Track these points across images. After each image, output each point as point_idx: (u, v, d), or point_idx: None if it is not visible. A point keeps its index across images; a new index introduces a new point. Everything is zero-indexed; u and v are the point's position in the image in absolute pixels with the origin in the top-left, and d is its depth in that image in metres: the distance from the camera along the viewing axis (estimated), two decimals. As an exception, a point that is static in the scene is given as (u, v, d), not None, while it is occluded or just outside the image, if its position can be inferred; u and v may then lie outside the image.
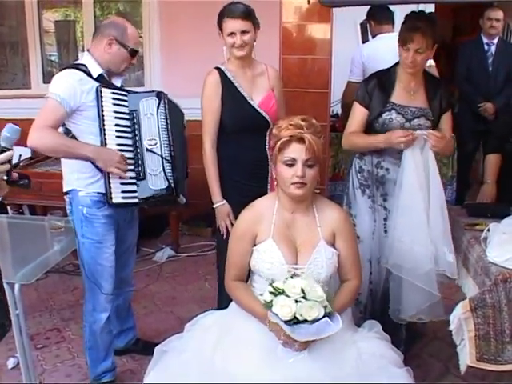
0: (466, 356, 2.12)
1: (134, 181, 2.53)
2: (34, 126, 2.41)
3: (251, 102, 2.71)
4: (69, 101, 2.42)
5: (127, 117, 2.55)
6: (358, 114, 2.72)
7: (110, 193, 2.47)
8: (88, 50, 2.60)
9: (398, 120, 2.62)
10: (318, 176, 2.08)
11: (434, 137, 2.50)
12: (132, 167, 2.52)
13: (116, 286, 2.85)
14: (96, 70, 2.53)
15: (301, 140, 1.99)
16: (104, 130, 2.46)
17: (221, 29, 2.66)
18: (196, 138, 4.75)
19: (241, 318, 2.09)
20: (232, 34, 2.62)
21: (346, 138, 2.75)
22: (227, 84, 2.69)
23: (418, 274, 2.48)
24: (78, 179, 2.56)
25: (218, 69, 2.72)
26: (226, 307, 2.25)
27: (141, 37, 5.26)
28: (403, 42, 2.55)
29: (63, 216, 2.85)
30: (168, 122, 2.62)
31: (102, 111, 2.46)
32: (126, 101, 2.56)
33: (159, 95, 2.64)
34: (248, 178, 2.71)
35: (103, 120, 2.46)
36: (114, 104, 2.51)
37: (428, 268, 2.47)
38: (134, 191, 2.53)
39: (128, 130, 2.54)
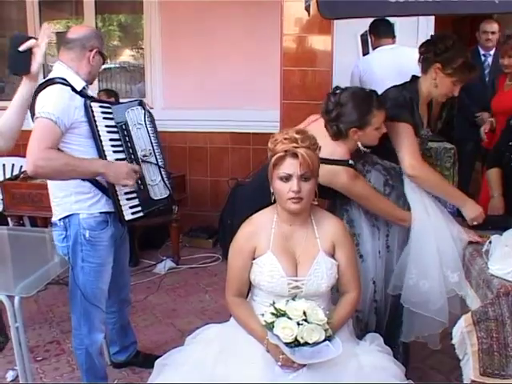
0: (470, 371, 2.09)
1: (135, 195, 2.49)
2: (31, 150, 2.22)
3: None
4: (63, 119, 2.27)
5: (116, 130, 2.46)
6: (413, 136, 2.50)
7: (122, 211, 2.42)
8: (62, 62, 2.44)
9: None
10: (316, 188, 2.06)
11: None
12: None
13: (118, 308, 2.86)
14: (79, 84, 2.40)
15: (295, 155, 1.97)
16: (102, 146, 2.38)
17: (363, 126, 2.38)
18: (196, 150, 4.80)
19: (243, 331, 2.08)
20: (381, 125, 2.42)
21: (424, 169, 2.51)
22: None
23: (429, 309, 2.45)
24: (77, 202, 2.43)
25: None
26: None
27: (142, 48, 5.31)
28: (461, 80, 2.50)
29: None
30: (155, 129, 2.60)
31: (97, 127, 2.36)
32: (111, 113, 2.46)
33: (142, 104, 2.60)
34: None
35: (99, 136, 2.37)
36: (104, 118, 2.42)
37: (440, 304, 2.43)
38: (138, 205, 2.50)
39: (119, 143, 2.47)
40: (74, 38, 2.43)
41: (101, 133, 2.38)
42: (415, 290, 2.47)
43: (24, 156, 2.40)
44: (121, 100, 4.06)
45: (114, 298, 2.79)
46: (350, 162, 2.42)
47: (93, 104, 2.37)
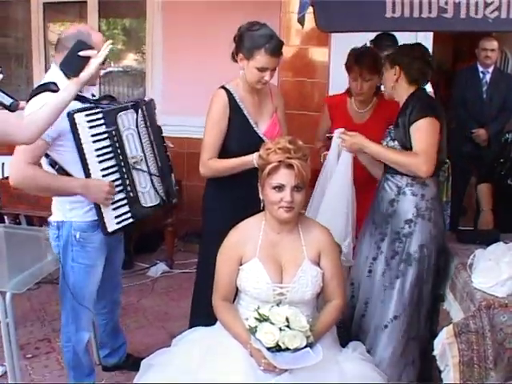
0: (451, 382, 2.14)
1: (125, 202, 2.46)
2: (12, 163, 2.26)
3: (257, 131, 2.61)
4: (47, 130, 2.20)
5: (106, 136, 2.38)
6: None
7: (104, 223, 2.40)
8: (55, 63, 2.39)
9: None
10: (304, 197, 2.11)
11: (341, 132, 2.57)
12: (120, 188, 2.44)
13: (109, 309, 2.89)
14: None
15: (289, 166, 2.02)
16: (85, 158, 2.32)
17: (248, 56, 2.47)
18: (195, 156, 4.79)
19: (228, 335, 2.12)
20: (264, 69, 2.47)
21: None
22: (235, 108, 2.57)
23: None
24: (72, 210, 2.43)
25: (225, 89, 2.59)
26: (197, 325, 2.31)
27: (143, 53, 5.35)
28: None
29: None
30: (149, 130, 2.55)
31: (80, 139, 2.29)
32: (101, 119, 2.37)
33: (137, 106, 2.51)
34: (244, 199, 2.49)
35: (82, 149, 2.31)
36: (91, 127, 2.33)
37: None
38: (127, 212, 2.47)
39: (109, 150, 2.40)
40: (59, 39, 2.39)
41: (84, 145, 2.31)
42: None
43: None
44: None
45: (107, 298, 2.82)
46: (228, 86, 2.59)
47: (76, 115, 2.29)
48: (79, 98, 2.33)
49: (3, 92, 1.91)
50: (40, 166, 2.35)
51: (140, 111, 2.52)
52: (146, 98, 2.68)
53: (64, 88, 2.10)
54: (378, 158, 2.56)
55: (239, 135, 2.58)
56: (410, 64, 2.54)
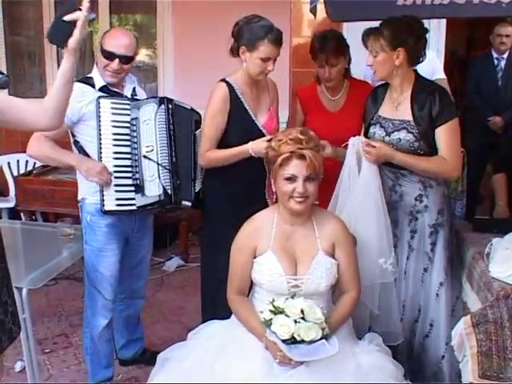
0: (469, 373, 2.12)
1: (132, 188, 2.54)
2: (33, 134, 2.52)
3: (257, 123, 2.63)
4: (67, 113, 2.29)
5: (126, 125, 2.57)
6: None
7: (103, 200, 2.53)
8: (96, 65, 2.65)
9: (380, 134, 2.44)
10: (317, 188, 2.08)
11: (366, 144, 2.32)
12: (129, 175, 2.55)
13: (127, 296, 2.94)
14: (99, 82, 2.59)
15: (301, 157, 2.00)
16: (100, 138, 2.52)
17: (251, 47, 2.49)
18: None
19: (243, 328, 2.11)
20: (267, 59, 2.49)
21: None
22: (235, 101, 2.58)
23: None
24: (87, 187, 2.61)
25: (226, 82, 2.59)
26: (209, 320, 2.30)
27: (155, 48, 5.36)
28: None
29: (73, 223, 2.92)
30: (170, 126, 2.56)
31: (100, 121, 2.52)
32: (128, 109, 2.58)
33: (161, 100, 2.58)
34: (245, 194, 2.59)
35: (100, 130, 2.52)
36: (114, 113, 2.55)
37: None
38: (132, 198, 2.54)
39: (126, 138, 2.57)
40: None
41: (103, 127, 2.52)
42: None
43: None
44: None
45: (126, 285, 2.88)
46: (228, 79, 2.59)
47: (102, 100, 2.53)
48: (113, 94, 2.59)
49: None
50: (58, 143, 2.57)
51: (163, 106, 2.56)
52: (187, 106, 2.77)
53: (63, 61, 2.00)
54: (405, 167, 2.38)
55: (239, 127, 2.60)
56: (416, 44, 2.32)
